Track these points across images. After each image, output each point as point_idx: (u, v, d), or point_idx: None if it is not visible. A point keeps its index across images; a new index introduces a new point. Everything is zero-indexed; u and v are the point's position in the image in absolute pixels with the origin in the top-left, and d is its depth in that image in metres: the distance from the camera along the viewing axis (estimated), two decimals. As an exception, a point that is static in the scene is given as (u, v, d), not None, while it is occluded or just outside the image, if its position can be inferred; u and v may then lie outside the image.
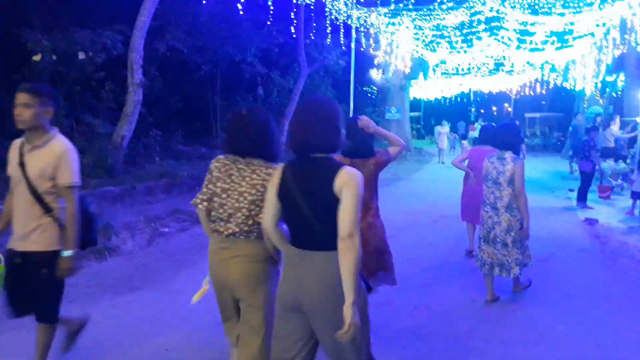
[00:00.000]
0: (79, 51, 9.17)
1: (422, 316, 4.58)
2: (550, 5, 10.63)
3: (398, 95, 23.60)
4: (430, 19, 12.81)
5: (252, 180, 2.69)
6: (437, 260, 6.36)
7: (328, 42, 14.44)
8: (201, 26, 12.44)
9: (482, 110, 38.51)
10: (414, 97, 29.36)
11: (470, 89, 29.83)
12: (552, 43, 15.15)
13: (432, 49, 17.58)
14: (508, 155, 4.66)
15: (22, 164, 2.93)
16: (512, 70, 21.96)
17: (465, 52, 17.73)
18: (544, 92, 24.92)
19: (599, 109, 18.86)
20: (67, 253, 2.96)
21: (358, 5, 12.06)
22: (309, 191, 2.30)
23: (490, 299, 4.87)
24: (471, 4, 11.41)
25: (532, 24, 12.81)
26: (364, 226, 3.53)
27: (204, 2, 8.79)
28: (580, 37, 14.16)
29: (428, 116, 39.29)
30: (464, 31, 14.67)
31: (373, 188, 3.71)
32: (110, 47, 9.51)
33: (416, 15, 12.37)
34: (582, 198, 10.03)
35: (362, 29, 13.51)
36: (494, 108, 40.70)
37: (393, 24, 13.65)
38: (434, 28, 14.17)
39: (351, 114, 13.92)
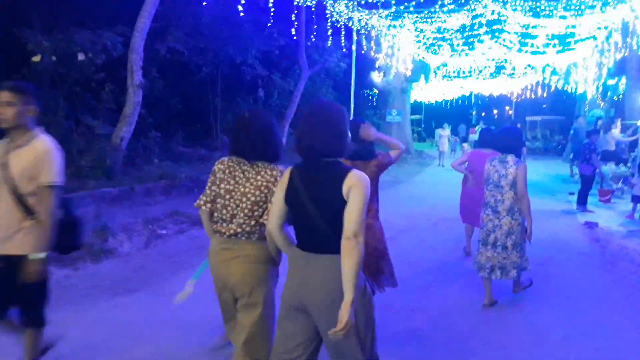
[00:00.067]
0: (79, 52, 9.15)
1: (421, 319, 4.55)
2: (551, 8, 10.60)
3: (399, 98, 23.58)
4: (432, 21, 12.80)
5: (257, 181, 2.72)
6: (436, 262, 6.34)
7: (329, 45, 14.41)
8: (202, 28, 12.43)
9: (483, 114, 38.48)
10: (415, 100, 29.38)
11: (471, 92, 29.87)
12: (554, 46, 15.13)
13: (434, 51, 17.57)
14: (510, 158, 4.65)
15: (4, 165, 2.86)
16: (513, 74, 21.96)
17: (466, 54, 17.71)
18: (545, 95, 24.91)
19: (600, 112, 18.85)
20: (34, 256, 2.85)
21: (359, 8, 12.05)
22: (317, 195, 2.33)
23: (488, 302, 4.84)
24: (472, 7, 11.39)
25: (534, 27, 12.79)
26: None
27: (204, 3, 8.74)
28: (581, 40, 14.15)
29: (429, 119, 39.31)
30: (466, 34, 14.65)
31: (373, 190, 3.73)
32: (110, 48, 9.50)
33: (417, 17, 12.36)
34: (582, 201, 10.00)
35: (363, 31, 13.50)
36: (495, 111, 40.70)
37: (394, 26, 13.64)
38: (436, 31, 14.16)
39: (352, 117, 13.90)
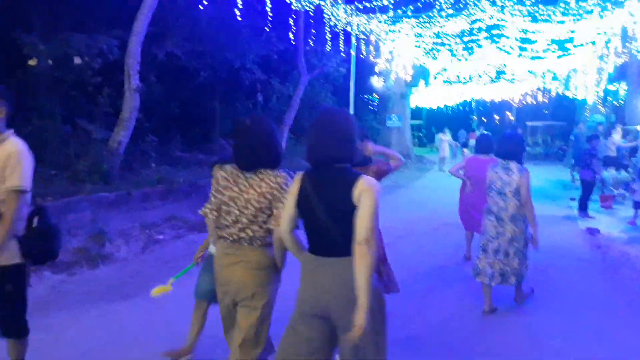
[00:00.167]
0: (75, 56, 9.12)
1: (420, 325, 4.50)
2: (549, 13, 10.58)
3: (399, 103, 23.56)
4: (431, 26, 12.78)
5: (261, 188, 2.73)
6: (435, 268, 6.29)
7: (328, 49, 14.40)
8: (200, 32, 12.42)
9: (484, 119, 38.49)
10: (416, 105, 29.36)
11: (472, 98, 29.84)
12: (554, 51, 15.11)
13: (433, 56, 17.55)
14: (513, 165, 4.64)
15: None
16: (514, 79, 21.94)
17: (466, 60, 17.69)
18: (546, 100, 24.91)
19: (601, 117, 18.80)
20: None
21: (358, 12, 12.03)
22: (328, 200, 2.38)
23: (488, 309, 4.79)
24: (471, 12, 11.36)
25: (533, 32, 12.77)
26: None
27: (200, 7, 8.70)
28: (581, 45, 14.12)
29: (430, 124, 39.27)
30: (465, 39, 14.64)
31: None
32: (106, 51, 9.46)
33: (416, 22, 12.34)
34: (583, 207, 9.94)
35: (361, 36, 13.48)
36: (496, 117, 40.69)
37: (393, 31, 13.62)
38: (434, 35, 14.14)
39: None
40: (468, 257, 6.58)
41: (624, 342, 4.29)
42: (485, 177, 5.86)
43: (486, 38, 14.27)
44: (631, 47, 11.55)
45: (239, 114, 15.36)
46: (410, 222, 8.92)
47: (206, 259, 3.63)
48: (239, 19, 9.20)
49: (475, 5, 10.86)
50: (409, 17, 11.92)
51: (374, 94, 26.56)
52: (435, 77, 22.66)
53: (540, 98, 24.21)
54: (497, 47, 15.26)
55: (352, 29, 12.73)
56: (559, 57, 15.72)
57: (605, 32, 12.45)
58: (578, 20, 11.12)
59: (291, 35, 12.00)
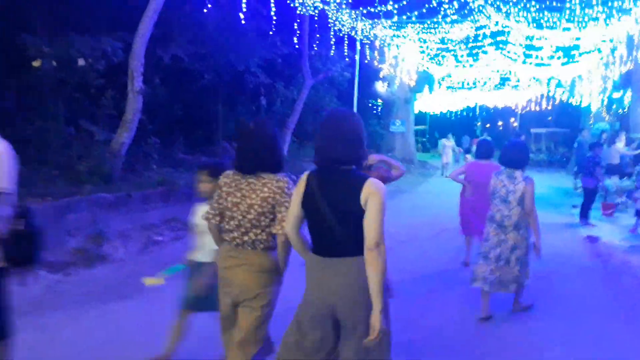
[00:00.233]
0: (79, 57, 9.15)
1: (417, 331, 4.47)
2: (555, 20, 10.55)
3: (403, 108, 23.57)
4: (435, 32, 12.78)
5: (263, 193, 2.76)
6: (435, 274, 6.26)
7: (332, 54, 14.41)
8: (205, 35, 12.45)
9: (487, 125, 38.43)
10: (420, 111, 29.36)
11: (476, 104, 29.82)
12: (559, 58, 15.08)
13: (438, 62, 17.56)
14: (519, 174, 4.64)
15: None
16: (518, 85, 21.90)
17: (471, 66, 17.69)
18: (549, 107, 24.83)
19: (605, 125, 18.71)
20: None
21: (363, 17, 12.04)
22: (335, 201, 2.39)
23: (485, 315, 4.77)
24: (476, 18, 11.36)
25: (539, 39, 12.75)
26: None
27: (204, 10, 8.73)
28: (586, 52, 14.09)
29: (433, 130, 39.26)
30: (470, 45, 14.64)
31: None
32: (110, 54, 9.49)
33: (420, 28, 12.34)
34: (584, 215, 9.89)
35: (366, 41, 13.50)
36: (500, 123, 40.62)
37: (398, 36, 13.64)
38: (439, 41, 14.15)
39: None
40: (467, 263, 6.56)
41: (624, 349, 4.27)
42: (484, 182, 5.91)
43: (491, 44, 14.27)
44: (636, 55, 11.50)
45: (243, 117, 15.38)
46: (413, 227, 8.89)
47: (191, 268, 3.58)
48: (243, 22, 9.21)
49: (480, 11, 10.86)
50: (413, 22, 11.92)
51: (378, 99, 26.57)
52: (439, 83, 22.67)
53: (544, 105, 24.14)
54: (502, 54, 15.25)
55: (356, 34, 12.75)
56: (564, 64, 15.69)
57: (611, 40, 12.41)
58: (584, 27, 11.10)
59: (295, 40, 12.01)
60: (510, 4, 9.86)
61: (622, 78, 15.21)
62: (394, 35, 13.62)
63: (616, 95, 19.13)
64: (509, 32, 12.70)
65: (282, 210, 2.74)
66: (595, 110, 18.85)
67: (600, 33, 11.77)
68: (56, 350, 3.93)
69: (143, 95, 8.97)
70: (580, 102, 19.24)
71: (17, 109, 9.37)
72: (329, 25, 11.81)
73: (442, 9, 10.10)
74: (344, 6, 10.57)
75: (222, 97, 15.13)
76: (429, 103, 28.11)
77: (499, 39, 13.71)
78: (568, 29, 11.22)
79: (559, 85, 20.44)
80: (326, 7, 10.40)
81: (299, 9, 9.96)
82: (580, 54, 14.39)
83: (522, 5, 9.90)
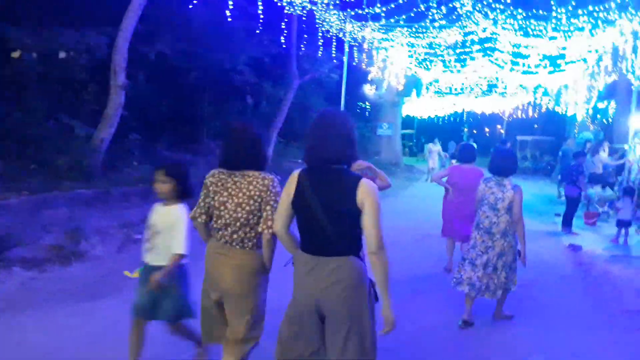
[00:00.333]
0: (61, 51, 8.99)
1: (395, 338, 4.39)
2: (541, 28, 10.61)
3: (390, 112, 23.59)
4: (424, 36, 12.78)
5: (249, 191, 2.81)
6: (416, 279, 6.21)
7: (320, 55, 14.37)
8: (192, 32, 12.32)
9: (474, 131, 38.64)
10: (407, 115, 29.43)
11: (463, 109, 29.95)
12: (545, 67, 15.17)
13: (426, 67, 17.57)
14: (507, 182, 4.68)
15: None
16: (505, 93, 22.02)
17: (458, 71, 17.73)
18: (536, 115, 25.01)
19: (589, 134, 18.89)
20: None
21: (352, 20, 12.00)
22: (327, 200, 2.40)
23: (467, 319, 4.77)
24: (464, 24, 11.37)
25: (526, 47, 12.81)
26: None
27: (190, 7, 8.63)
28: (572, 62, 14.20)
29: (420, 134, 39.39)
30: (458, 50, 14.66)
31: None
32: (94, 48, 9.34)
33: (408, 31, 12.34)
34: (567, 223, 9.93)
35: (354, 43, 13.46)
36: (487, 129, 40.90)
37: (386, 39, 13.62)
38: (427, 46, 14.15)
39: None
40: (449, 269, 6.53)
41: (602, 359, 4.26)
42: (466, 186, 6.03)
43: (479, 51, 14.30)
44: (621, 66, 11.61)
45: (229, 116, 15.26)
46: (397, 231, 8.79)
47: (144, 272, 3.39)
48: (230, 20, 9.12)
49: (468, 17, 10.87)
50: (402, 26, 11.90)
51: (366, 102, 26.58)
52: (427, 88, 22.72)
53: (530, 113, 24.32)
54: (490, 60, 15.30)
55: (344, 36, 12.71)
56: (551, 72, 15.79)
57: (596, 50, 12.52)
58: (569, 37, 11.17)
59: (283, 39, 11.93)
60: (498, 11, 9.89)
61: (606, 89, 15.34)
62: (382, 39, 13.60)
63: (601, 105, 19.30)
64: (496, 39, 12.74)
65: (268, 208, 2.78)
66: (580, 119, 19.02)
67: (586, 43, 11.86)
68: (24, 351, 3.81)
69: (126, 91, 8.83)
70: (566, 111, 19.40)
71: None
72: (317, 26, 11.75)
73: (430, 13, 10.10)
74: (331, 7, 10.51)
75: (208, 95, 15.01)
76: (417, 107, 28.18)
77: (486, 45, 13.74)
78: (554, 38, 11.29)
79: (545, 93, 20.56)
80: (314, 8, 10.33)
81: (287, 8, 9.88)
82: (566, 63, 14.49)
83: (509, 12, 9.93)
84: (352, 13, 10.77)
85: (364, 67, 15.57)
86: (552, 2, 9.25)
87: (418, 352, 4.19)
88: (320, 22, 11.50)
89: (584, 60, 13.88)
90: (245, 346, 2.93)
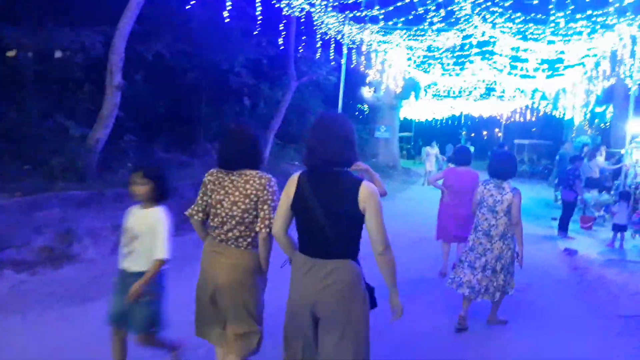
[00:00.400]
0: (57, 50, 8.92)
1: (385, 345, 4.37)
2: (539, 32, 10.59)
3: (388, 114, 23.57)
4: (422, 39, 12.75)
5: (246, 190, 2.84)
6: (410, 284, 6.16)
7: (318, 57, 14.32)
8: (189, 32, 12.27)
9: (472, 134, 38.69)
10: (405, 117, 29.41)
11: (461, 112, 29.97)
12: (543, 71, 15.16)
13: (424, 70, 17.55)
14: (506, 185, 4.71)
15: None
16: (503, 96, 22.02)
17: (457, 74, 17.71)
18: (534, 119, 25.02)
19: (586, 138, 18.91)
20: None
21: (350, 22, 11.97)
22: (328, 203, 2.42)
23: (463, 321, 4.76)
24: (462, 27, 11.33)
25: (524, 50, 12.79)
26: None
27: (187, 7, 8.58)
28: (570, 66, 14.19)
29: (418, 137, 39.41)
30: (456, 53, 14.64)
31: None
32: (88, 47, 9.27)
33: (406, 34, 12.31)
34: (563, 228, 9.92)
35: (352, 45, 13.43)
36: (485, 132, 40.92)
37: (385, 42, 13.59)
38: (426, 49, 14.13)
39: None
40: (444, 273, 6.52)
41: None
42: (462, 188, 6.06)
43: (477, 54, 14.28)
44: (619, 71, 11.59)
45: (226, 117, 15.20)
46: (392, 234, 8.60)
47: (119, 278, 3.26)
48: (227, 20, 9.08)
49: (467, 21, 10.84)
50: (400, 29, 11.88)
51: (364, 104, 26.56)
52: (425, 91, 22.71)
53: (528, 116, 24.34)
54: (488, 64, 15.28)
55: (343, 38, 12.68)
56: (549, 76, 15.78)
57: (595, 54, 12.51)
58: (568, 41, 11.15)
59: (281, 41, 11.90)
60: (496, 14, 9.86)
61: (604, 93, 15.36)
62: (380, 41, 13.57)
63: (599, 109, 19.33)
64: (494, 43, 12.72)
65: (265, 207, 2.80)
66: (577, 123, 19.03)
67: (584, 47, 11.84)
68: (14, 354, 3.77)
69: (122, 91, 8.78)
70: (564, 115, 19.40)
71: None
72: (315, 27, 11.72)
73: (429, 16, 10.06)
74: (329, 9, 10.47)
75: (205, 97, 14.94)
76: (415, 110, 28.18)
77: (485, 49, 13.72)
78: (553, 42, 11.27)
79: (543, 97, 20.57)
80: (312, 10, 10.30)
81: (285, 9, 9.84)
82: (564, 68, 14.49)
83: (507, 16, 9.90)
84: (351, 15, 10.73)
85: (362, 69, 15.54)
86: (551, 6, 9.23)
87: (413, 357, 4.16)
88: (319, 24, 11.47)
89: (582, 64, 13.87)
90: (245, 346, 2.94)
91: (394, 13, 10.38)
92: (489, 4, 9.61)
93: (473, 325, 4.83)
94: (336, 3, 10.28)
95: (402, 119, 27.29)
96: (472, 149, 23.64)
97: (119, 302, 3.14)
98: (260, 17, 9.77)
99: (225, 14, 8.67)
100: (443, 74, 17.99)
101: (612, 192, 12.08)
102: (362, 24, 11.86)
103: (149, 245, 3.09)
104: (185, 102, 14.57)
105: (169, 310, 4.43)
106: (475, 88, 21.07)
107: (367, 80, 19.43)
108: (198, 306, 3.05)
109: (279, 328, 2.70)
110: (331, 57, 14.01)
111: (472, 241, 4.87)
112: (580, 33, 10.25)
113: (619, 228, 9.10)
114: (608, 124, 19.62)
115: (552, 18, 9.54)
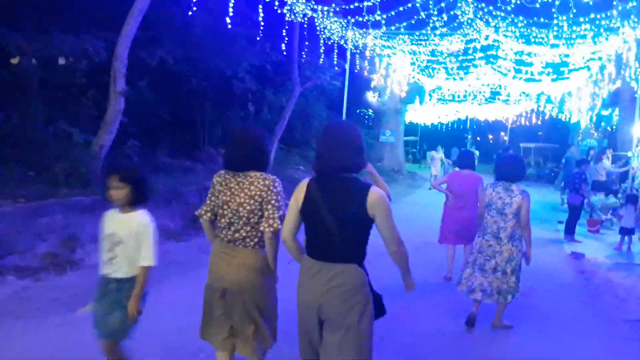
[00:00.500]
0: (60, 56, 8.97)
1: (386, 349, 4.34)
2: (543, 36, 10.55)
3: (393, 119, 23.55)
4: (426, 44, 12.74)
5: (251, 191, 2.88)
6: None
7: (321, 62, 14.34)
8: (193, 39, 12.32)
9: (478, 138, 38.58)
10: (411, 122, 29.38)
11: (467, 116, 29.91)
12: (548, 74, 15.10)
13: (429, 74, 17.53)
14: (515, 187, 4.71)
15: None
16: (508, 100, 21.95)
17: (461, 79, 17.68)
18: (539, 122, 24.93)
19: (593, 142, 18.82)
20: None
21: (354, 27, 11.98)
22: (337, 208, 2.46)
23: (475, 312, 4.80)
24: (466, 31, 11.31)
25: (528, 54, 12.75)
26: None
27: (189, 13, 8.62)
28: (576, 69, 14.12)
29: (423, 141, 39.32)
30: (460, 58, 14.62)
31: None
32: (92, 53, 9.31)
33: (410, 39, 12.30)
34: (570, 231, 9.84)
35: (355, 50, 13.43)
36: (490, 136, 40.79)
37: (388, 47, 13.59)
38: (430, 54, 14.12)
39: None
40: (449, 278, 6.47)
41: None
42: (465, 191, 6.06)
43: (482, 58, 14.25)
44: (624, 74, 11.53)
45: (230, 123, 15.23)
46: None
47: (100, 285, 3.10)
48: (230, 26, 9.10)
49: (470, 25, 10.82)
50: (403, 34, 11.87)
51: (369, 109, 26.56)
52: (430, 95, 22.68)
53: (534, 120, 24.25)
54: (493, 68, 15.25)
55: (346, 43, 12.69)
56: (554, 80, 15.71)
57: (600, 58, 12.45)
58: (572, 45, 11.10)
59: (284, 47, 11.91)
60: (499, 18, 9.83)
61: (610, 96, 15.29)
62: (384, 46, 13.57)
63: (605, 112, 19.24)
64: (498, 47, 12.69)
65: (269, 207, 2.86)
66: (584, 126, 18.93)
67: (589, 51, 11.79)
68: (16, 360, 3.76)
69: (126, 97, 8.81)
70: (569, 118, 19.32)
71: None
72: (318, 33, 11.73)
73: (431, 21, 10.04)
74: (331, 14, 10.49)
75: (209, 103, 14.98)
76: (420, 114, 28.15)
77: (489, 53, 13.69)
78: (556, 46, 11.22)
79: (548, 101, 20.48)
80: (315, 15, 10.31)
81: (288, 15, 9.86)
82: (569, 71, 14.43)
83: (510, 20, 9.88)
84: (353, 20, 10.73)
85: (366, 74, 15.53)
86: (554, 10, 9.19)
87: (416, 359, 4.13)
88: (322, 29, 11.48)
89: (588, 67, 13.81)
90: (259, 346, 2.98)
91: (396, 18, 10.37)
92: (491, 7, 9.59)
93: (477, 329, 4.80)
94: (338, 9, 10.28)
95: (407, 123, 27.25)
96: (477, 152, 23.68)
97: (100, 310, 3.02)
98: (263, 23, 9.80)
99: (228, 20, 8.69)
100: (447, 78, 17.98)
101: (619, 195, 11.99)
102: (365, 29, 11.86)
103: (132, 251, 2.97)
104: (189, 108, 14.62)
105: (170, 315, 4.43)
106: (480, 92, 21.02)
107: (372, 85, 19.43)
108: (205, 308, 3.07)
109: (293, 325, 2.74)
110: (335, 62, 14.01)
111: (479, 244, 4.86)
112: (584, 37, 10.20)
113: (626, 231, 9.01)
114: (614, 127, 19.50)
115: (555, 22, 9.49)
